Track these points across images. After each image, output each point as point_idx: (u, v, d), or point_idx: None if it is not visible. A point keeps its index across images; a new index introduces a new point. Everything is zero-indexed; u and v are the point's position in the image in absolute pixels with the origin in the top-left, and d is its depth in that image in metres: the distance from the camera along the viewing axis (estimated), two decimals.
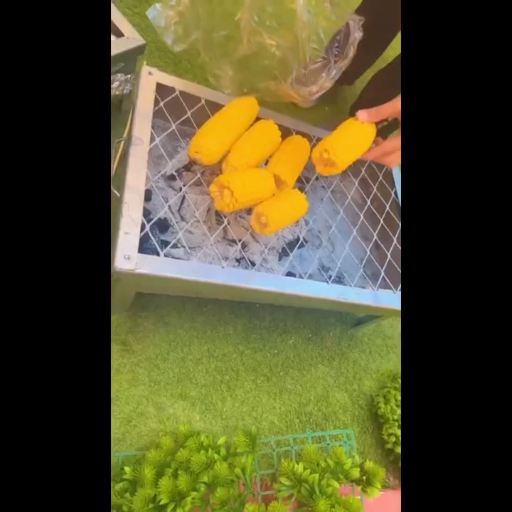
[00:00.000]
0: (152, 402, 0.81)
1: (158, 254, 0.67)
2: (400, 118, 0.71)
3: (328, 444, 0.83)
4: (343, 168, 0.73)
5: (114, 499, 0.66)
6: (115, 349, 0.82)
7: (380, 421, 0.97)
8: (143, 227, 0.66)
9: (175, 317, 0.90)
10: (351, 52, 0.82)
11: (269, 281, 0.74)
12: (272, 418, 0.90)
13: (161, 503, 0.67)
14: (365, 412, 1.00)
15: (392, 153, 0.74)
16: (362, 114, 0.73)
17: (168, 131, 0.78)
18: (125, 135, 0.92)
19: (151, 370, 0.84)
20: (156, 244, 0.67)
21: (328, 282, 0.79)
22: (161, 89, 0.80)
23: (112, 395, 0.79)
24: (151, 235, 0.68)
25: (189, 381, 0.86)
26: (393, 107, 0.71)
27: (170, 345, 0.87)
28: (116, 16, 0.85)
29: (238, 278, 0.72)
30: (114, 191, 0.71)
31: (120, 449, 0.76)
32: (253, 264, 0.87)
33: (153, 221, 0.69)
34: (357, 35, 0.81)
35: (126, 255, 0.63)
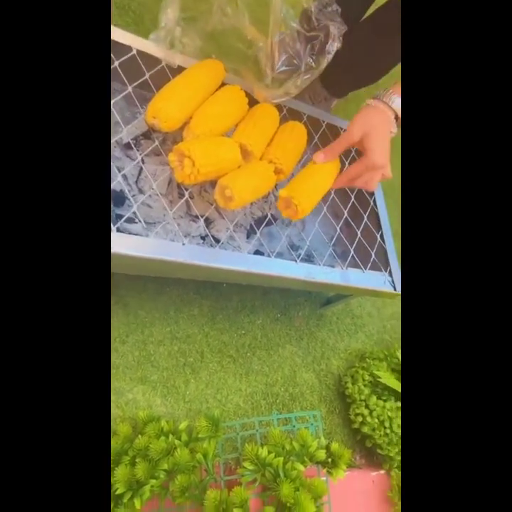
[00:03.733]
0: (110, 387, 0.77)
1: (127, 229, 0.61)
2: (359, 147, 0.73)
3: (294, 426, 0.81)
4: (306, 214, 0.75)
5: None
6: None
7: (347, 401, 0.97)
8: None
9: (134, 298, 0.85)
10: (325, 62, 0.76)
11: (235, 259, 0.70)
12: (238, 400, 0.87)
13: (117, 492, 0.64)
14: (333, 392, 0.99)
15: (360, 177, 0.73)
16: (318, 156, 0.75)
17: (123, 93, 0.71)
18: None
19: (111, 354, 0.79)
20: (131, 219, 0.61)
21: (296, 261, 0.75)
22: (116, 47, 0.72)
23: None
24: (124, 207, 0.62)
25: (150, 364, 0.81)
26: (346, 141, 0.72)
27: (129, 328, 0.82)
28: None
29: (202, 256, 0.67)
30: None
31: None
32: (219, 241, 0.82)
33: (126, 193, 0.63)
34: (335, 44, 0.76)
35: None
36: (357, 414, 0.93)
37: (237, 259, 0.70)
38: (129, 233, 0.64)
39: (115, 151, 0.77)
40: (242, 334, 0.94)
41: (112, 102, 0.68)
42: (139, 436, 0.69)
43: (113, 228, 0.61)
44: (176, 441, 0.70)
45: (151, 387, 0.80)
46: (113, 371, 0.78)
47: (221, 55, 0.83)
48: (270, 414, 0.88)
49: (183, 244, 0.65)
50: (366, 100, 0.76)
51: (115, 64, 0.71)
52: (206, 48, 0.82)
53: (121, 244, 0.60)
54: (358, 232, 0.88)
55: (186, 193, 0.72)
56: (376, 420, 0.89)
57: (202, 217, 0.72)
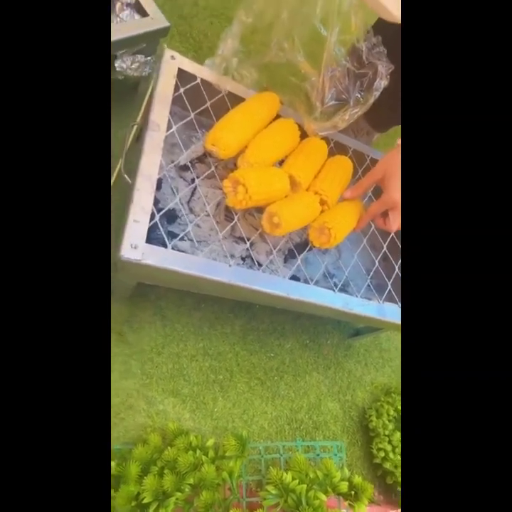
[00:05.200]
0: (142, 396, 0.79)
1: (165, 245, 0.64)
2: (381, 185, 0.77)
3: (318, 455, 0.81)
4: (339, 241, 0.79)
5: None
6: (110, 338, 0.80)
7: (370, 434, 0.96)
8: (152, 216, 0.64)
9: (173, 311, 0.88)
10: (372, 98, 0.81)
11: (275, 284, 0.72)
12: (263, 423, 0.88)
13: (144, 501, 0.65)
14: (356, 424, 0.99)
15: (382, 217, 0.79)
16: (345, 192, 0.82)
17: (186, 120, 0.76)
18: (139, 119, 0.89)
19: (145, 363, 0.81)
20: (164, 235, 0.65)
21: (334, 290, 0.77)
22: (182, 76, 0.77)
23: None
24: (159, 225, 0.65)
25: (182, 378, 0.83)
26: (371, 178, 0.78)
27: (165, 340, 0.85)
28: None
29: (244, 278, 0.70)
30: (126, 177, 0.69)
31: None
32: (258, 264, 0.84)
33: (163, 211, 0.67)
34: (383, 82, 0.80)
35: (134, 244, 0.61)
36: (379, 449, 0.92)
37: (278, 284, 0.72)
38: (178, 250, 0.68)
39: (171, 172, 0.82)
40: (271, 357, 0.95)
41: (175, 127, 0.73)
42: (169, 447, 0.71)
43: (168, 245, 0.64)
44: (203, 457, 0.71)
45: (181, 400, 0.82)
46: (146, 381, 0.80)
47: (275, 86, 0.87)
48: (293, 439, 0.89)
49: (230, 265, 0.68)
50: (397, 139, 0.79)
51: (180, 91, 0.76)
52: (261, 79, 0.86)
53: (173, 261, 0.63)
54: (396, 267, 0.89)
55: (235, 217, 0.75)
56: (399, 457, 0.88)
57: (248, 240, 0.75)
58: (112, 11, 0.81)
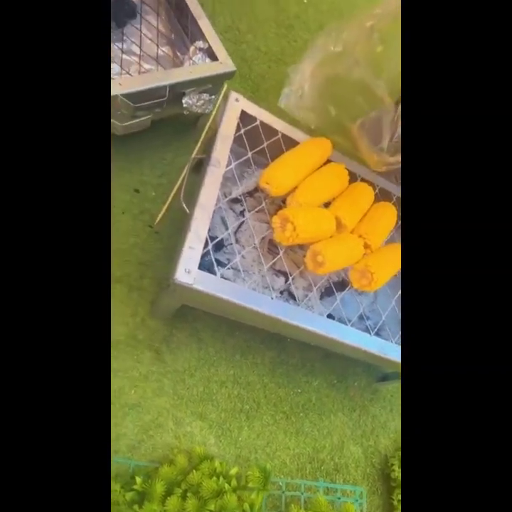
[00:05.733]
0: (172, 416, 0.81)
1: (213, 272, 0.68)
2: None
3: (339, 498, 0.80)
4: (379, 286, 0.81)
5: (123, 509, 0.65)
6: (147, 356, 0.83)
7: (391, 484, 0.94)
8: (205, 244, 0.68)
9: (208, 334, 0.90)
10: None
11: (313, 321, 0.74)
12: (285, 458, 0.88)
13: None
14: (377, 471, 0.97)
15: None
16: None
17: (244, 158, 0.81)
18: (196, 153, 0.95)
19: (177, 384, 0.84)
20: (214, 263, 0.69)
21: (370, 333, 0.78)
22: (244, 117, 0.83)
23: (134, 402, 0.79)
24: (211, 253, 0.69)
25: (210, 403, 0.85)
26: None
27: (198, 362, 0.87)
28: (214, 41, 0.89)
29: (284, 312, 0.72)
30: (184, 206, 0.74)
31: (134, 456, 0.76)
32: (295, 298, 0.87)
33: (216, 241, 0.71)
34: None
35: (187, 269, 0.65)
36: (400, 501, 0.89)
37: (316, 321, 0.74)
38: (223, 278, 0.71)
39: (222, 203, 0.87)
40: (297, 393, 0.96)
41: (234, 164, 0.78)
42: (194, 471, 0.72)
43: (217, 273, 0.68)
44: (226, 485, 0.72)
45: (208, 424, 0.83)
46: (177, 401, 0.83)
47: (340, 108, 0.89)
48: (314, 479, 0.88)
49: (272, 298, 0.71)
50: None
51: (241, 131, 0.81)
52: (327, 96, 0.88)
53: (221, 289, 0.67)
54: None
55: (280, 251, 0.78)
56: None
57: (290, 275, 0.78)
58: (186, 53, 0.89)
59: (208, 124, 1.07)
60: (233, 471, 0.76)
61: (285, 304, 0.73)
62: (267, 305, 0.71)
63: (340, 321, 0.80)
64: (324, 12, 1.49)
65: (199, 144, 1.01)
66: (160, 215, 0.96)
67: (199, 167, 0.89)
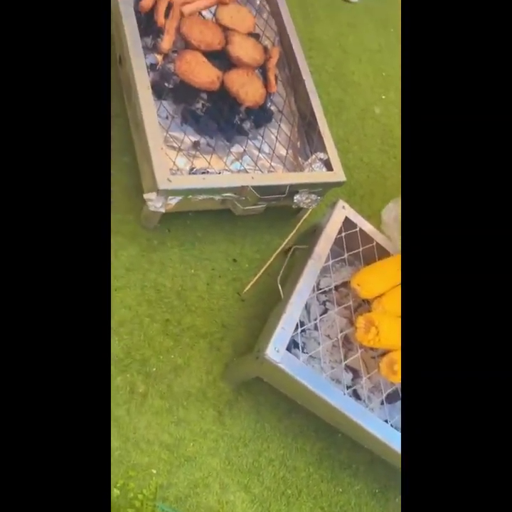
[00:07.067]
0: (220, 480, 0.84)
1: (296, 355, 0.75)
2: None
3: None
4: None
5: None
6: (211, 414, 0.89)
7: None
8: (295, 328, 0.76)
9: (267, 409, 0.95)
10: None
11: (378, 426, 0.77)
12: None
13: None
14: None
15: None
16: None
17: (340, 257, 0.91)
18: (291, 236, 1.08)
19: (230, 450, 0.88)
20: (300, 347, 0.76)
21: None
22: (346, 222, 0.94)
23: (190, 455, 0.84)
24: (299, 337, 0.77)
25: (257, 477, 0.88)
26: None
27: (254, 434, 0.91)
28: (333, 154, 1.04)
29: (351, 409, 0.77)
30: (281, 290, 0.83)
31: (179, 508, 0.79)
32: (358, 396, 0.90)
33: (305, 327, 0.79)
34: None
35: (277, 348, 0.72)
36: None
37: (381, 427, 0.77)
38: (295, 356, 0.77)
39: (315, 293, 0.95)
40: (338, 492, 0.95)
41: (331, 261, 0.87)
42: None
43: (300, 357, 0.74)
44: None
45: (250, 498, 0.85)
46: (228, 466, 0.86)
47: None
48: None
49: (344, 393, 0.76)
50: None
51: (342, 234, 0.92)
52: None
53: (302, 373, 0.73)
54: None
55: (359, 351, 0.84)
56: None
57: (360, 374, 0.83)
58: (307, 160, 1.04)
59: (305, 217, 1.20)
60: None
61: (354, 402, 0.77)
62: (338, 398, 0.75)
63: (397, 429, 0.82)
64: None
65: (293, 233, 1.14)
66: (248, 286, 1.06)
67: (288, 251, 1.01)
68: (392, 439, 0.78)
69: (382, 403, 0.95)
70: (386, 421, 0.93)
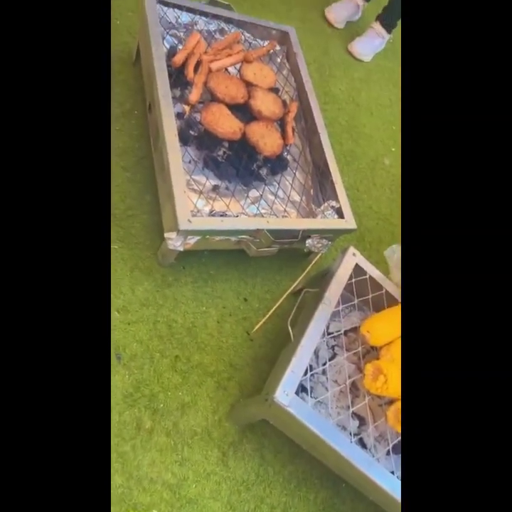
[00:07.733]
0: None
1: (304, 399, 0.76)
2: None
3: None
4: None
5: None
6: (215, 454, 0.88)
7: None
8: (305, 372, 0.77)
9: (271, 453, 0.94)
10: None
11: (384, 476, 0.76)
12: None
13: None
14: None
15: None
16: None
17: (350, 303, 0.93)
18: (301, 278, 1.10)
19: (233, 493, 0.86)
20: (308, 391, 0.77)
21: None
22: (357, 269, 0.97)
23: (192, 497, 0.83)
24: (308, 381, 0.78)
25: None
26: None
27: (256, 479, 0.90)
28: (344, 203, 1.08)
29: (358, 458, 0.76)
30: (291, 332, 0.85)
31: None
32: (364, 445, 0.89)
33: (314, 371, 0.80)
34: None
35: (286, 391, 0.73)
36: None
37: (387, 479, 0.76)
38: (302, 400, 0.77)
39: (325, 338, 0.96)
40: None
41: (342, 306, 0.90)
42: None
43: (308, 402, 0.75)
44: None
45: None
46: (229, 511, 0.84)
47: None
48: None
49: (351, 441, 0.76)
50: None
51: (352, 280, 0.95)
52: None
53: (310, 419, 0.74)
54: None
55: (366, 398, 0.84)
56: None
57: (366, 422, 0.83)
58: (318, 208, 1.08)
59: (315, 260, 1.23)
60: None
61: (360, 450, 0.77)
62: (345, 446, 0.75)
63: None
64: None
65: (303, 275, 1.17)
66: (257, 326, 1.08)
67: (298, 294, 1.03)
68: (398, 491, 0.77)
69: (388, 453, 0.94)
70: (392, 472, 0.92)
